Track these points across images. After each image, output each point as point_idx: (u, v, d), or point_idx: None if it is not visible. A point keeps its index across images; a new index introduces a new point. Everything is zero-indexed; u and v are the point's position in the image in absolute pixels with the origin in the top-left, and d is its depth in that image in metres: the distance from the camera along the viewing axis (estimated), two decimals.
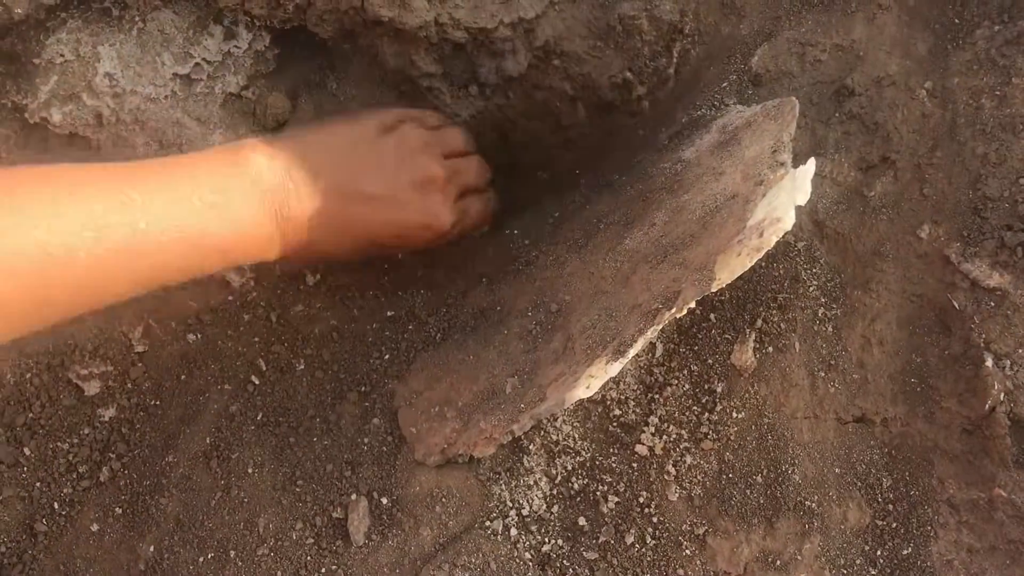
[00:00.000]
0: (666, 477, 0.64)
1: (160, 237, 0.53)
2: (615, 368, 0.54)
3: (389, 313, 0.74)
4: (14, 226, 0.48)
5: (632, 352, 0.54)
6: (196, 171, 0.57)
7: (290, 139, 0.64)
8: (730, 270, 0.53)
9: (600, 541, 0.62)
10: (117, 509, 0.68)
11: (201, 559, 0.65)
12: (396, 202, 0.66)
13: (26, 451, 0.69)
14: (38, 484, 0.69)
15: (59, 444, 0.70)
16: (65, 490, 0.69)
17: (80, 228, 0.50)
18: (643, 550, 0.62)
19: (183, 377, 0.71)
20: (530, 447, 0.65)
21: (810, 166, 0.52)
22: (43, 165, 0.52)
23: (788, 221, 0.50)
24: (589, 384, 0.55)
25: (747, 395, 0.65)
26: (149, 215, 0.52)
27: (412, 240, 0.69)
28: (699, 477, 0.64)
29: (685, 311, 0.55)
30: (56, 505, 0.68)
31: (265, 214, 0.59)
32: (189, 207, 0.55)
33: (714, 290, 0.53)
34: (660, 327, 0.55)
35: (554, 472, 0.64)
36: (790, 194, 0.52)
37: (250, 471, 0.67)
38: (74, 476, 0.69)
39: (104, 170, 0.54)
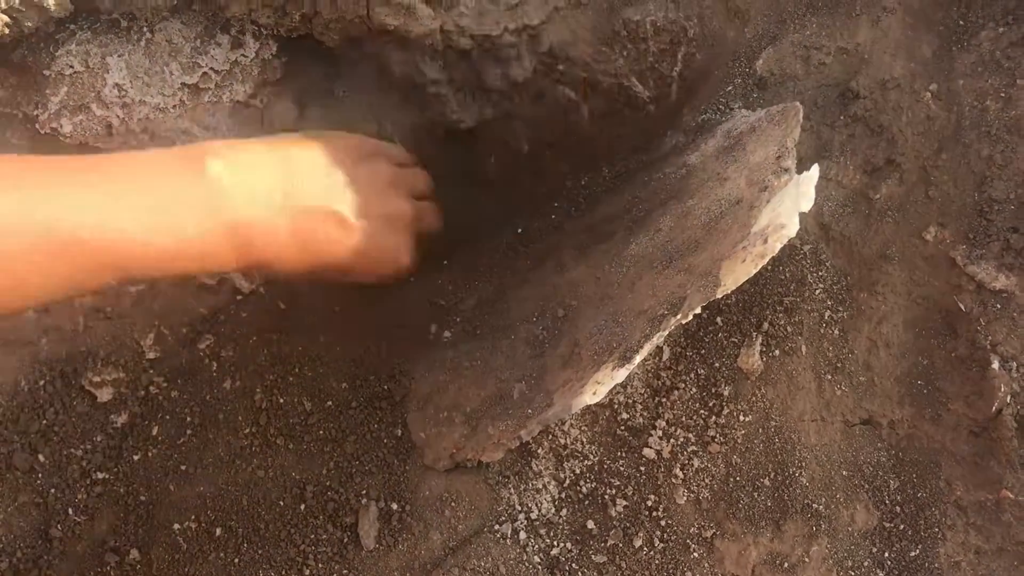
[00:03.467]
0: (674, 480, 0.64)
1: (101, 237, 0.50)
2: (621, 374, 0.54)
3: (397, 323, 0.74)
4: None
5: (638, 358, 0.55)
6: (149, 172, 0.54)
7: (260, 146, 0.61)
8: (735, 276, 0.53)
9: (609, 544, 0.63)
10: (131, 516, 0.69)
11: (212, 561, 0.66)
12: (366, 231, 0.64)
13: (40, 457, 0.70)
14: (53, 490, 0.69)
15: (73, 451, 0.70)
16: (79, 496, 0.69)
17: (24, 215, 0.48)
18: (651, 553, 0.63)
19: (193, 387, 0.72)
20: (538, 451, 0.65)
21: (814, 172, 0.53)
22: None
23: (792, 227, 0.51)
24: (596, 390, 0.55)
25: (754, 398, 0.65)
26: (93, 213, 0.50)
27: (370, 272, 0.67)
28: (707, 480, 0.64)
29: (691, 317, 0.55)
30: (71, 511, 0.69)
31: (217, 225, 0.55)
32: (134, 211, 0.52)
33: (719, 296, 0.54)
34: (666, 333, 0.55)
35: (562, 476, 0.65)
36: (794, 200, 0.52)
37: (261, 475, 0.68)
38: (88, 482, 0.70)
39: (56, 162, 0.52)
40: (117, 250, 0.52)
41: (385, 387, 0.70)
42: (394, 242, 0.67)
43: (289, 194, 0.59)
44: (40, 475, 0.70)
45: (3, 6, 0.60)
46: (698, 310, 0.55)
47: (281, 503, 0.67)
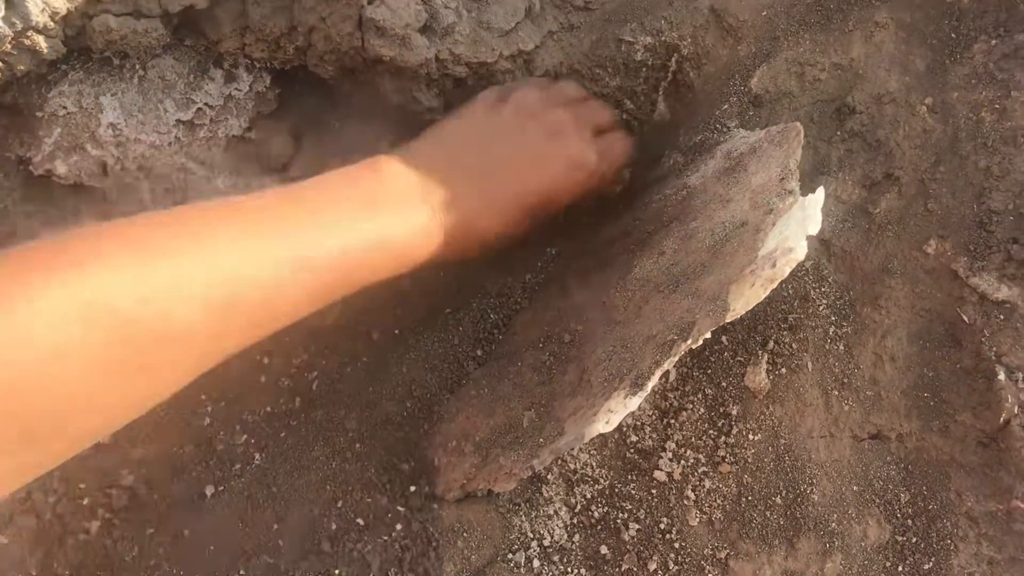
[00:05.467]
0: (686, 502, 0.64)
1: (344, 253, 0.54)
2: (635, 402, 0.54)
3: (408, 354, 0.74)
4: (207, 256, 0.48)
5: (650, 385, 0.54)
6: (354, 186, 0.58)
7: (408, 147, 0.65)
8: (745, 300, 0.53)
9: (623, 569, 0.63)
10: (134, 548, 0.68)
11: None
12: (534, 157, 0.66)
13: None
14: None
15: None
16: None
17: (262, 259, 0.50)
18: None
19: (197, 425, 0.72)
20: (548, 476, 0.65)
21: (819, 195, 0.53)
22: (219, 202, 0.52)
23: (800, 251, 0.50)
24: (608, 419, 0.55)
25: (762, 417, 0.65)
26: (334, 235, 0.54)
27: (567, 188, 0.68)
28: (718, 501, 0.64)
29: (700, 342, 0.55)
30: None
31: (423, 209, 0.60)
32: (357, 227, 0.56)
33: (729, 320, 0.54)
34: (676, 358, 0.55)
35: (573, 501, 0.65)
36: (800, 223, 0.52)
37: (270, 508, 0.67)
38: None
39: (271, 199, 0.55)
40: (365, 260, 0.56)
41: (394, 414, 0.70)
42: (563, 150, 0.68)
43: (457, 165, 0.63)
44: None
45: None
46: (708, 334, 0.55)
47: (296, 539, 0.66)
